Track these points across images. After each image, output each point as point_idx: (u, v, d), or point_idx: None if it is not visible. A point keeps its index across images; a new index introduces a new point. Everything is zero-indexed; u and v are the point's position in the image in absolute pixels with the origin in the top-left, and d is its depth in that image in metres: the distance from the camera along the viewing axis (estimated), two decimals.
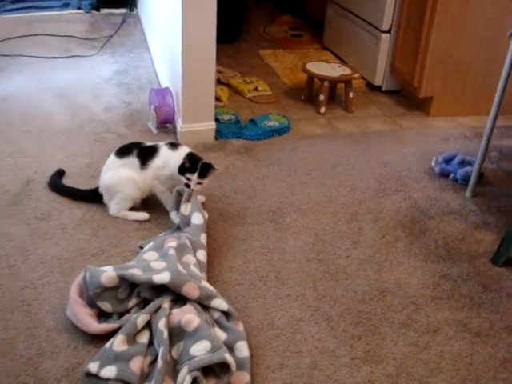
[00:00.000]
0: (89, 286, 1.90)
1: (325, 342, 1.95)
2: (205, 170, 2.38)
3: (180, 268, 1.98)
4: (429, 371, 1.86)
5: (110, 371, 1.68)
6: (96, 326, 1.86)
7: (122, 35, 4.73)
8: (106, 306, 1.91)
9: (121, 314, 1.93)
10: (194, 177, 2.36)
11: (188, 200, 2.36)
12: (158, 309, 1.88)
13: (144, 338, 1.81)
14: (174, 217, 2.41)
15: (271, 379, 1.79)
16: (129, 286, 1.95)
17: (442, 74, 3.60)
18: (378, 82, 4.05)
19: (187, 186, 2.38)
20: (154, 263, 2.02)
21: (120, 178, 2.45)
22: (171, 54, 3.26)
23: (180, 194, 2.39)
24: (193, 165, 2.37)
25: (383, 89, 4.07)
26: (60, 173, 2.73)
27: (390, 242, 2.47)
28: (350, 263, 2.33)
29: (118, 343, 1.74)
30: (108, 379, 1.67)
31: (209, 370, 1.72)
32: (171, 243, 2.11)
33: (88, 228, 2.41)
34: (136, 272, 1.94)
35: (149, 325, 1.85)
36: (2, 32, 4.53)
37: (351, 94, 3.71)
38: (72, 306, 1.89)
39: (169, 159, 2.44)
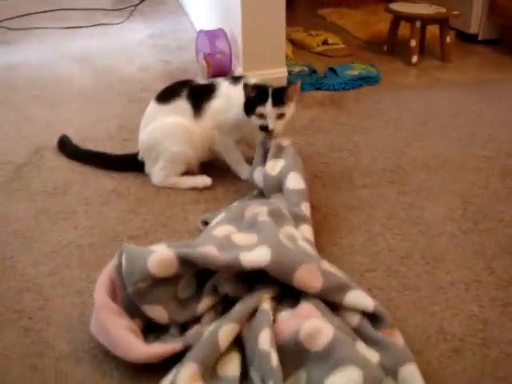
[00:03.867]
0: (126, 279, 1.08)
1: None
2: (279, 94, 1.57)
3: (285, 241, 1.15)
4: None
5: None
6: (142, 349, 1.02)
7: (154, 5, 3.98)
8: (158, 312, 1.08)
9: (184, 327, 1.09)
10: (268, 107, 1.55)
11: (278, 155, 1.54)
12: (252, 313, 1.05)
13: (233, 368, 0.98)
14: (258, 177, 1.59)
15: None
16: (196, 276, 1.12)
17: None
18: (473, 29, 3.19)
19: (264, 129, 1.57)
20: (236, 236, 1.20)
21: (165, 129, 1.66)
22: None
23: (265, 149, 1.59)
24: (260, 94, 1.56)
25: (480, 38, 3.21)
26: (66, 140, 1.92)
27: None
28: None
29: (188, 380, 0.91)
30: None
31: None
32: (258, 209, 1.29)
33: (123, 203, 1.62)
34: (208, 250, 1.12)
35: (238, 342, 1.02)
36: (13, 10, 3.80)
37: (448, 39, 2.86)
38: (98, 315, 1.07)
39: (232, 97, 1.64)
